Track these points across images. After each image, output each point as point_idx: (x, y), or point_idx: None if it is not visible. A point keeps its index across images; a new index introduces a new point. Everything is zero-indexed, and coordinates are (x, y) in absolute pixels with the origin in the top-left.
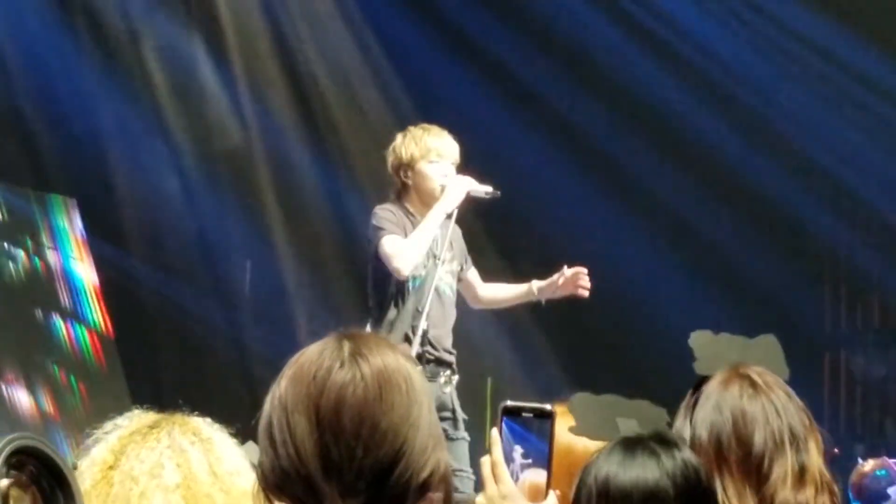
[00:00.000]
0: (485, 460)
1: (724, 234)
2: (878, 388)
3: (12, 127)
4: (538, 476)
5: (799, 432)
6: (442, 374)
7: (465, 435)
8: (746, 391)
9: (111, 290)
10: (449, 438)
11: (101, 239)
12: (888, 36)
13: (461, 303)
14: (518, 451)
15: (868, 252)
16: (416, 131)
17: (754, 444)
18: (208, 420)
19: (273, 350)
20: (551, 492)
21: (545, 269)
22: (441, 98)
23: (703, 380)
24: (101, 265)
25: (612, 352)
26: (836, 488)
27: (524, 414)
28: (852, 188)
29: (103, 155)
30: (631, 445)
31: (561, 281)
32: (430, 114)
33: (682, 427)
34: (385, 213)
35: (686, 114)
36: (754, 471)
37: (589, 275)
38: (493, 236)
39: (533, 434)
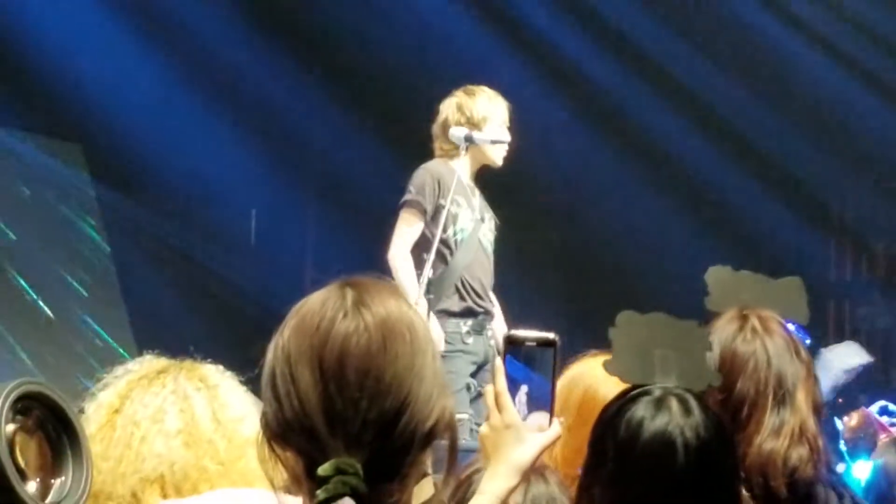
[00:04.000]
0: (489, 389)
1: (730, 185)
2: (882, 338)
3: (16, 72)
4: (544, 415)
5: (787, 382)
6: (488, 326)
7: None
8: (744, 333)
9: (115, 235)
10: (481, 393)
11: (107, 185)
12: None
13: None
14: (523, 390)
15: (875, 202)
16: (478, 91)
17: (735, 390)
18: (219, 367)
19: (278, 298)
20: (556, 420)
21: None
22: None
23: (714, 318)
24: (105, 211)
25: (620, 298)
26: (819, 442)
27: (527, 343)
28: (859, 139)
29: (107, 101)
30: (660, 399)
31: None
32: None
33: None
34: (424, 179)
35: (697, 71)
36: (730, 416)
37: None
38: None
39: (537, 363)
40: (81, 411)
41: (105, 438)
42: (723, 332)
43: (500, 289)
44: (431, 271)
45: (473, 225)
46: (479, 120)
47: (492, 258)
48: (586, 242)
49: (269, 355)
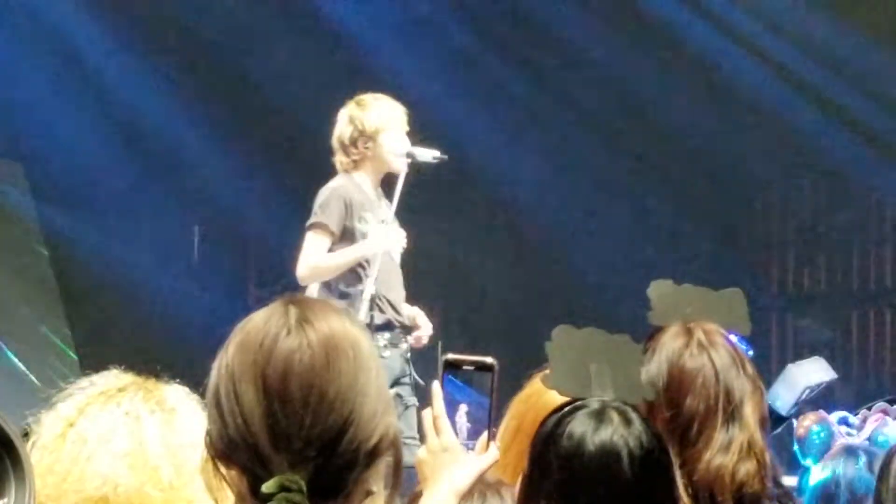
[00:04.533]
0: (426, 413)
1: (668, 193)
2: (825, 351)
3: None
4: (483, 429)
5: (735, 397)
6: (404, 339)
7: (415, 400)
8: (690, 349)
9: (58, 254)
10: (406, 406)
11: (47, 203)
12: None
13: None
14: (463, 409)
15: (817, 214)
16: (370, 100)
17: (684, 407)
18: (185, 389)
19: (221, 316)
20: (493, 444)
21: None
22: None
23: (658, 331)
24: (46, 229)
25: (560, 315)
26: (766, 457)
27: (465, 367)
28: (807, 149)
29: (46, 119)
30: (600, 411)
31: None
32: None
33: None
34: (331, 197)
35: (635, 74)
36: (679, 434)
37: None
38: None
39: (475, 386)
40: (26, 434)
41: (56, 451)
42: (668, 348)
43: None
44: (353, 287)
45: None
46: (373, 132)
47: (400, 270)
48: (537, 254)
49: (213, 373)
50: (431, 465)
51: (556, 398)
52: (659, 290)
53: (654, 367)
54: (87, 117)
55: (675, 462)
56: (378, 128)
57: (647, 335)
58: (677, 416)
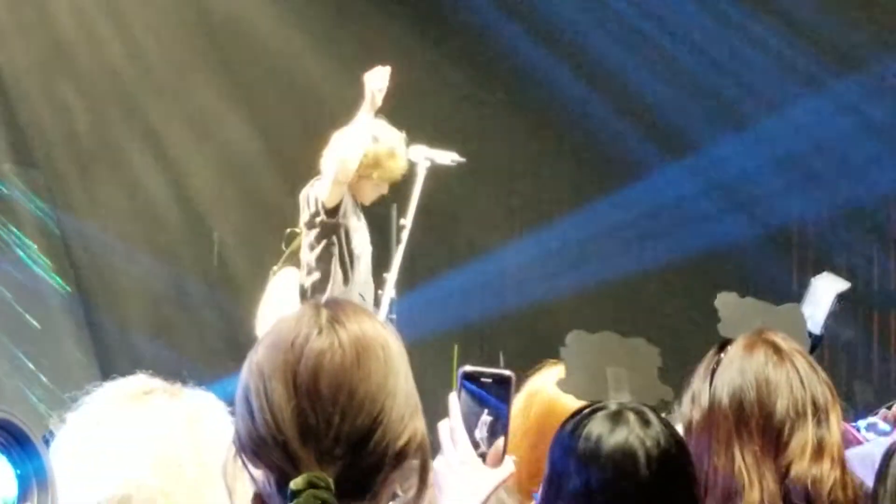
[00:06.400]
0: (443, 424)
1: (693, 203)
2: (845, 351)
3: None
4: (499, 443)
5: (821, 404)
6: None
7: None
8: (771, 358)
9: (78, 262)
10: None
11: (67, 211)
12: None
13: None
14: (485, 418)
15: (832, 218)
16: (392, 145)
17: (776, 411)
18: (210, 395)
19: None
20: (508, 457)
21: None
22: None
23: (726, 342)
24: (66, 238)
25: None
26: (848, 467)
27: (483, 379)
28: (804, 162)
29: (71, 127)
30: (617, 412)
31: None
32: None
33: (700, 387)
34: None
35: (668, 103)
36: (774, 438)
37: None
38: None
39: (492, 399)
40: (46, 439)
41: (79, 451)
42: (751, 359)
43: None
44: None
45: (363, 245)
46: (374, 164)
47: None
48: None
49: (244, 372)
50: (448, 477)
51: (559, 392)
52: (725, 302)
53: (738, 376)
54: (111, 122)
55: (771, 467)
56: (379, 164)
57: (718, 345)
58: (770, 420)
